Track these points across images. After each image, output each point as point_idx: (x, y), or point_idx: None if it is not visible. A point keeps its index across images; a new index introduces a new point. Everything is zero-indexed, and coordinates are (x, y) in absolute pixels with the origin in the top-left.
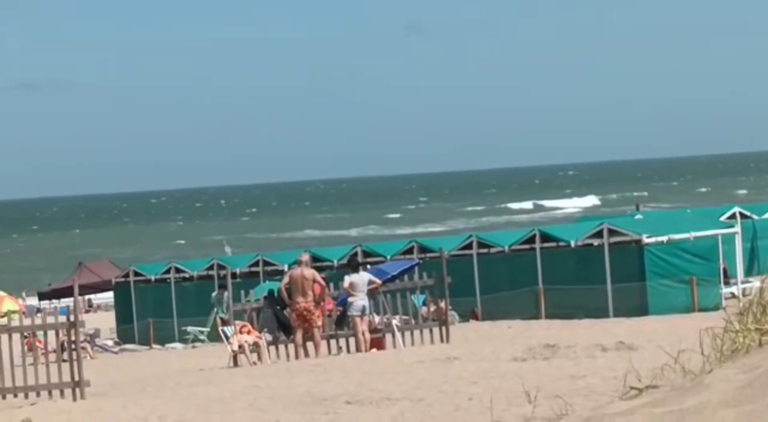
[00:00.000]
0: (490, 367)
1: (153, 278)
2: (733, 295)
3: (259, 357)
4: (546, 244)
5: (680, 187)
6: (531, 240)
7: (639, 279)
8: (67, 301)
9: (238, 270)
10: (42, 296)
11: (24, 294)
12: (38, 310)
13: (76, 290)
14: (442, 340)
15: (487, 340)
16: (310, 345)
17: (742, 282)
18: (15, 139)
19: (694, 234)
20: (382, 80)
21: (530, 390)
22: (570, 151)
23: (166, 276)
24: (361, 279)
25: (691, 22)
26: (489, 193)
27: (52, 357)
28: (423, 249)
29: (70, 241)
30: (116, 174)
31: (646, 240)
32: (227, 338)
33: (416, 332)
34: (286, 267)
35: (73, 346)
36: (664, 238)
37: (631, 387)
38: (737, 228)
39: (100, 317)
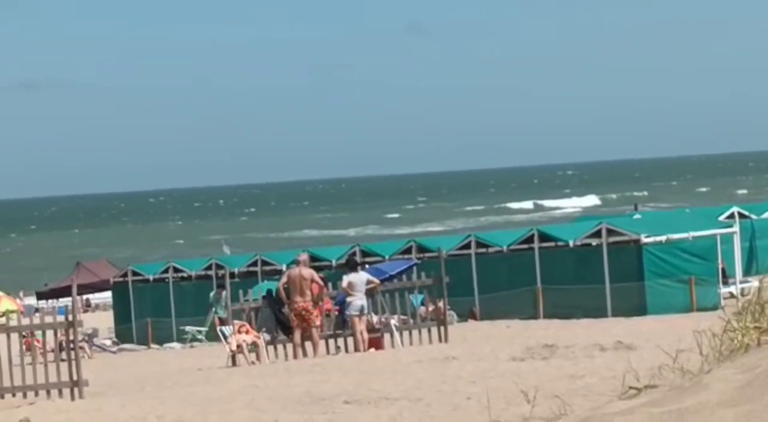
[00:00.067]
0: (488, 367)
1: (151, 278)
2: (732, 295)
3: (258, 357)
4: (544, 244)
5: (680, 186)
6: (529, 240)
7: (637, 278)
8: (65, 301)
9: (236, 270)
10: (40, 296)
11: (22, 294)
12: (36, 310)
13: (75, 290)
14: (440, 340)
15: (486, 340)
16: (308, 344)
17: (741, 282)
18: (15, 139)
19: (692, 233)
20: (382, 80)
21: (529, 390)
22: (569, 150)
23: (165, 275)
24: (360, 278)
25: (691, 22)
26: (488, 192)
27: (51, 356)
28: (421, 249)
29: (68, 241)
30: (115, 174)
31: (644, 239)
32: (225, 338)
33: (414, 332)
34: (284, 267)
35: (71, 346)
36: (663, 238)
37: (630, 387)
38: (736, 228)
39: (99, 317)
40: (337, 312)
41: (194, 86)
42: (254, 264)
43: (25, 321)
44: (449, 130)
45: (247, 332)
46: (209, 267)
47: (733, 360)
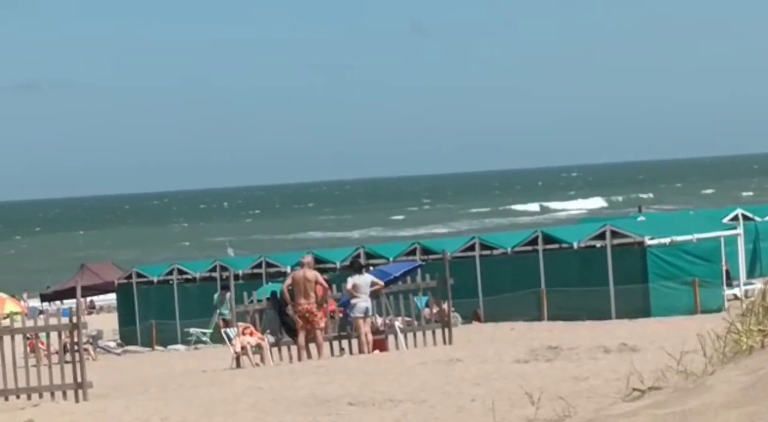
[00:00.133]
0: (492, 369)
1: (155, 280)
2: (736, 297)
3: (262, 359)
4: (549, 246)
5: (685, 188)
6: (534, 242)
7: (641, 280)
8: (69, 303)
9: (240, 272)
10: (43, 297)
11: (25, 295)
12: (40, 312)
13: (79, 292)
14: (444, 342)
15: (490, 342)
16: (312, 346)
17: (745, 284)
18: (15, 139)
19: (696, 236)
20: (383, 80)
21: (533, 392)
22: (572, 152)
23: (169, 277)
24: (364, 280)
25: (691, 22)
26: (493, 194)
27: (55, 358)
28: (426, 251)
29: (72, 243)
30: (118, 175)
31: (648, 242)
32: (230, 339)
33: (419, 334)
34: (288, 269)
35: (75, 348)
36: (667, 240)
37: (634, 389)
38: (740, 230)
39: (103, 318)
40: (341, 314)
41: (194, 86)
42: (259, 266)
43: (29, 323)
44: (451, 131)
45: (251, 334)
46: (213, 269)
47: (736, 362)
